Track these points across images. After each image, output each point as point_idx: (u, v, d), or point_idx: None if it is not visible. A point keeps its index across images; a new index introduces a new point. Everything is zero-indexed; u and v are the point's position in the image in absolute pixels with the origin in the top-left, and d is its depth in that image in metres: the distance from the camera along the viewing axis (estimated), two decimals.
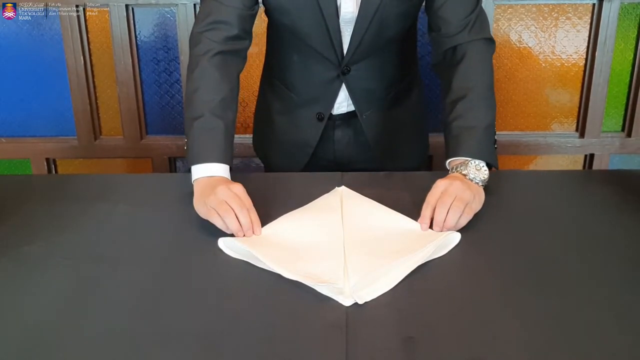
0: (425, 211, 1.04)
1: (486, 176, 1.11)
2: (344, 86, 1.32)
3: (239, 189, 1.05)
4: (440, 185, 1.06)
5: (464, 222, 1.03)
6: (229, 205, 1.01)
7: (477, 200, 1.07)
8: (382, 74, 1.34)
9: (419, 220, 1.04)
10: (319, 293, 0.87)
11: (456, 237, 1.01)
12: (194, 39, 1.19)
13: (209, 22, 1.17)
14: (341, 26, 1.22)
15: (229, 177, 1.11)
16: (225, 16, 1.17)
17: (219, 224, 1.02)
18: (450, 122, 1.16)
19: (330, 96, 1.34)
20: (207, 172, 1.10)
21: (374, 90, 1.35)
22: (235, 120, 1.17)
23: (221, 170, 1.11)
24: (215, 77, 1.15)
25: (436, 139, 1.52)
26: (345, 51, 1.26)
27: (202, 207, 1.05)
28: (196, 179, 1.10)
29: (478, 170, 1.10)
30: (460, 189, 1.04)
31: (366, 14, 1.19)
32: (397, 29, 1.26)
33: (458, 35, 1.21)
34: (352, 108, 1.36)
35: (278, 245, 0.99)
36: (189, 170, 1.13)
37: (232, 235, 1.01)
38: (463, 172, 1.10)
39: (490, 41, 1.24)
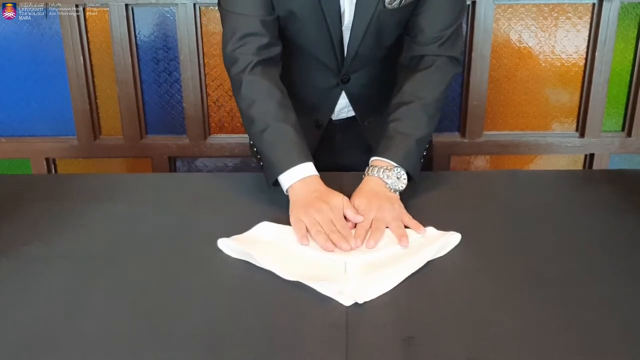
0: (362, 231, 1.02)
1: (404, 186, 1.11)
2: (344, 93, 1.32)
3: (335, 206, 1.03)
4: (368, 212, 1.04)
5: (403, 232, 1.02)
6: (321, 227, 1.00)
7: (402, 210, 1.06)
8: (383, 81, 1.33)
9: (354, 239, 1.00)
10: (319, 293, 0.87)
11: (456, 238, 1.01)
12: (230, 59, 1.18)
13: (238, 37, 1.16)
14: (343, 34, 1.22)
15: (317, 173, 1.11)
16: (252, 27, 1.16)
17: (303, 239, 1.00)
18: (389, 122, 1.17)
19: (329, 104, 1.34)
20: (298, 176, 1.09)
21: (375, 97, 1.34)
22: (297, 119, 1.16)
23: (309, 168, 1.10)
24: (264, 85, 1.15)
25: (436, 138, 1.53)
26: (344, 59, 1.26)
27: (296, 218, 1.03)
28: (290, 186, 1.09)
29: (398, 179, 1.11)
30: (387, 211, 1.04)
31: (361, 22, 1.19)
32: (395, 37, 1.26)
33: (428, 46, 1.21)
34: (352, 113, 1.36)
35: (278, 248, 0.99)
36: (275, 183, 1.11)
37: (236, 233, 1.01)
38: (384, 180, 1.10)
39: (457, 61, 1.24)
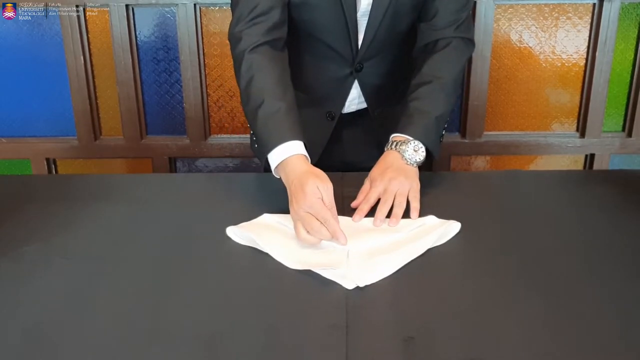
0: (364, 206, 1.08)
1: (422, 158, 1.15)
2: (356, 83, 1.32)
3: (326, 192, 1.01)
4: (378, 183, 1.10)
5: (416, 205, 1.09)
6: (315, 217, 0.98)
7: (415, 184, 1.12)
8: (395, 69, 1.34)
9: (354, 215, 1.07)
10: (319, 293, 0.87)
11: (456, 227, 1.03)
12: (234, 38, 1.16)
13: (249, 19, 1.15)
14: (358, 20, 1.22)
15: (306, 154, 1.08)
16: (263, 8, 1.15)
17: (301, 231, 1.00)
18: (409, 101, 1.20)
19: (342, 94, 1.34)
20: (284, 154, 1.05)
21: (386, 86, 1.35)
22: (295, 100, 1.13)
23: (297, 147, 1.06)
24: (265, 63, 1.13)
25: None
26: (359, 47, 1.26)
27: (293, 213, 1.02)
28: (277, 166, 1.07)
29: (416, 151, 1.14)
30: (397, 182, 1.09)
31: (380, 6, 1.20)
32: (409, 22, 1.27)
33: (445, 29, 1.23)
34: (362, 106, 1.36)
35: (282, 235, 1.01)
36: (267, 170, 1.10)
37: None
38: (401, 152, 1.14)
39: (472, 43, 1.27)
